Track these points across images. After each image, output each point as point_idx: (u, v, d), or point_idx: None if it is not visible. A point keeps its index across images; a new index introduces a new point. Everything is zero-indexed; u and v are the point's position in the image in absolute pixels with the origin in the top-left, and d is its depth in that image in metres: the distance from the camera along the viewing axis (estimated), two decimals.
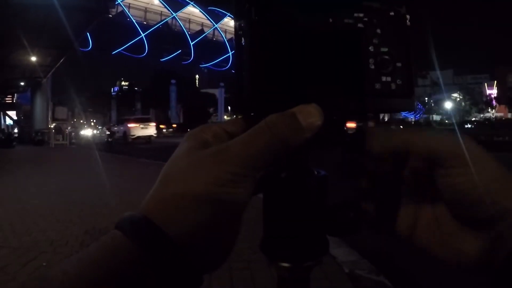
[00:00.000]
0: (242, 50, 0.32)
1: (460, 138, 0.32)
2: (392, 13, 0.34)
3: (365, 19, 0.33)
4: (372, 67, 0.33)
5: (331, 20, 0.32)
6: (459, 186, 0.31)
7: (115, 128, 26.18)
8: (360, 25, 0.33)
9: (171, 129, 50.70)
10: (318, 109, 0.32)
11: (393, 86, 0.33)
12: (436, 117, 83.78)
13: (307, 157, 0.36)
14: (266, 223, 0.35)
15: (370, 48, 0.33)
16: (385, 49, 0.33)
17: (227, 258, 0.34)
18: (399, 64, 0.33)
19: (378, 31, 0.33)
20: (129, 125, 25.54)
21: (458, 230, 0.33)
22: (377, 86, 0.33)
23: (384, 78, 0.33)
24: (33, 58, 24.83)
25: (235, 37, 0.33)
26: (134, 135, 24.52)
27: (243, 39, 0.32)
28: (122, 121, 29.33)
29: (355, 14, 0.33)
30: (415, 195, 0.36)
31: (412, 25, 0.34)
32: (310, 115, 0.31)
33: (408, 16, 0.34)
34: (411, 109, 0.34)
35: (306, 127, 0.31)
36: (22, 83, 29.00)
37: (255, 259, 2.96)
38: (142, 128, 25.22)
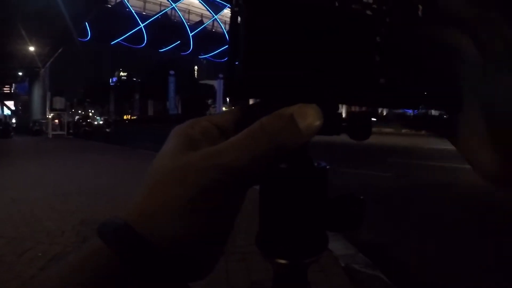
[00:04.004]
0: (237, 30, 0.30)
1: None
2: (403, 2, 0.31)
3: (374, 5, 0.30)
4: (378, 59, 0.30)
5: (337, 4, 0.30)
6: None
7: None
8: (368, 12, 0.30)
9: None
10: (317, 110, 0.29)
11: (399, 82, 0.30)
12: (435, 112, 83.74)
13: (305, 146, 0.33)
14: (262, 217, 0.33)
15: (377, 38, 0.30)
16: (394, 41, 0.30)
17: (216, 264, 0.32)
18: (408, 58, 0.31)
19: (388, 20, 0.30)
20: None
21: (484, 144, 0.29)
22: (382, 81, 0.30)
23: (390, 73, 0.30)
24: (31, 48, 24.73)
25: (230, 16, 0.31)
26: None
27: (238, 18, 0.30)
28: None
29: (365, 0, 0.30)
30: None
31: (424, 16, 0.31)
32: (308, 117, 0.29)
33: (420, 7, 0.31)
34: (418, 107, 0.31)
35: (304, 131, 0.29)
36: (20, 73, 28.97)
37: (250, 251, 2.97)
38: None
